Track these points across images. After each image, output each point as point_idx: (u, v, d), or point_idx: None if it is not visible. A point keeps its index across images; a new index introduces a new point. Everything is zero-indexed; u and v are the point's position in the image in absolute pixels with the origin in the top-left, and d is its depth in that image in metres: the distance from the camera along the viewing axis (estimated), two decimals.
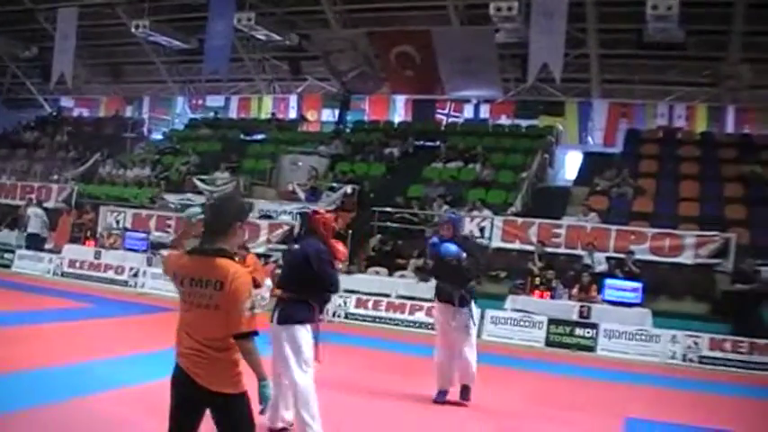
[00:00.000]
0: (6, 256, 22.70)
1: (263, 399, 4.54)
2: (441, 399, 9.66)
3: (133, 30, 27.39)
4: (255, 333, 4.53)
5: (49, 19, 30.53)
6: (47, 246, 23.44)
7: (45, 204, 24.93)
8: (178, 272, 4.65)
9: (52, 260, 22.12)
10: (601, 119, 27.48)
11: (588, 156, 26.10)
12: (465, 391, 9.77)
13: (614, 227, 19.62)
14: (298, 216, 21.69)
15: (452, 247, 9.48)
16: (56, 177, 27.97)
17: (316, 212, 7.84)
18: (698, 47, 23.55)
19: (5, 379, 8.62)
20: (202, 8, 27.43)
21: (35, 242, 23.27)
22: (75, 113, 36.92)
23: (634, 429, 9.10)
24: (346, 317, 18.10)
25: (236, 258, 4.67)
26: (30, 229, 23.50)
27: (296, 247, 7.57)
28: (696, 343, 15.55)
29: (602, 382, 12.75)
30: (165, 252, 4.38)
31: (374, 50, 27.70)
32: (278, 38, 27.34)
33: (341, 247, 7.51)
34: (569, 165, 27.47)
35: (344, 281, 19.29)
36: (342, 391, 9.79)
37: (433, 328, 16.63)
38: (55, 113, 35.88)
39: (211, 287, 4.47)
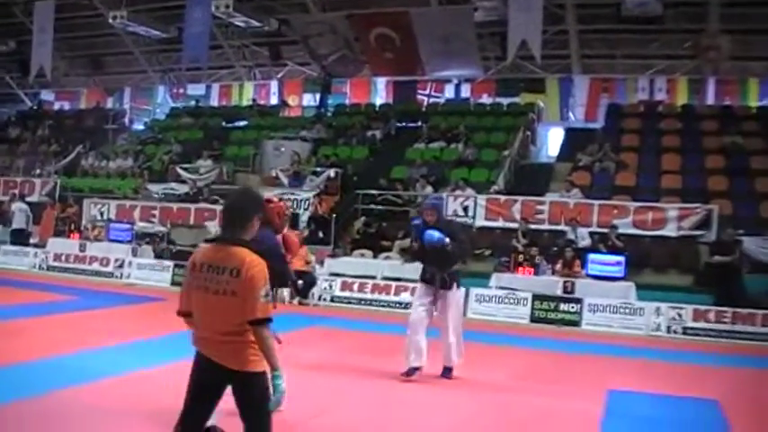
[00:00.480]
0: None
1: (275, 389, 4.62)
2: (410, 374, 9.60)
3: (111, 20, 27.28)
4: (269, 320, 4.68)
5: (26, 12, 30.32)
6: (31, 240, 23.41)
7: (28, 199, 24.88)
8: (198, 259, 4.78)
9: (37, 254, 22.08)
10: (582, 94, 27.44)
11: (570, 132, 26.21)
12: (446, 371, 9.86)
13: (597, 202, 19.75)
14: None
15: (435, 235, 9.40)
16: (38, 171, 27.89)
17: (268, 201, 7.31)
18: (677, 19, 23.58)
19: None
20: None
21: (20, 237, 23.29)
22: (57, 107, 36.63)
23: (616, 400, 9.15)
24: (332, 300, 18.16)
25: None
26: (14, 225, 23.51)
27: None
28: (680, 314, 15.66)
29: (586, 356, 12.81)
30: None
31: (353, 33, 27.62)
32: (257, 24, 27.24)
33: (295, 238, 7.27)
34: (552, 141, 27.56)
35: (330, 264, 19.49)
36: (327, 373, 9.88)
37: None
38: (36, 107, 35.69)
39: (228, 274, 4.61)
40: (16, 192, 25.35)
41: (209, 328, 4.67)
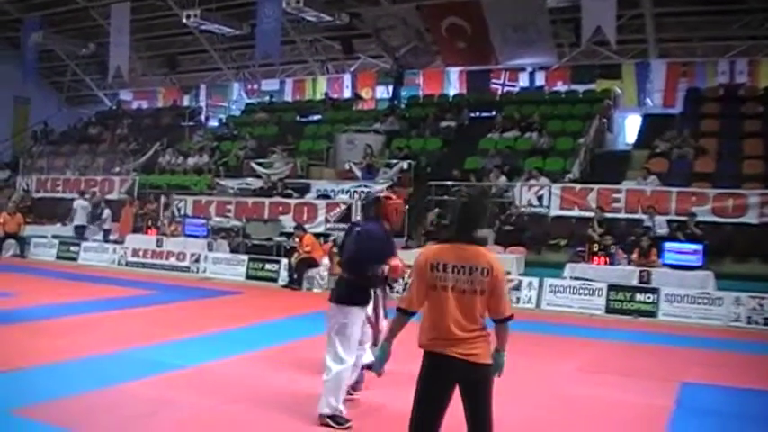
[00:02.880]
0: (72, 249, 23.22)
1: (498, 367, 5.02)
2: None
3: (184, 20, 27.68)
4: (512, 316, 5.00)
5: (104, 15, 31.04)
6: (111, 237, 24.00)
7: (108, 196, 25.86)
8: (436, 259, 4.91)
9: (116, 251, 22.55)
10: (659, 80, 26.76)
11: (647, 118, 25.55)
12: None
13: (675, 189, 19.27)
14: (361, 197, 21.57)
15: None
16: (117, 170, 28.51)
17: (388, 198, 7.68)
18: None
19: (66, 366, 8.91)
20: None
21: (81, 233, 24.42)
22: (134, 106, 37.56)
23: (689, 394, 8.87)
24: (405, 290, 18.02)
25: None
26: (76, 221, 24.67)
27: (358, 229, 7.53)
28: (761, 305, 15.01)
29: (661, 347, 12.45)
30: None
31: (425, 24, 27.51)
32: (328, 18, 27.27)
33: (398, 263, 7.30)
34: (629, 128, 26.97)
35: (403, 255, 19.35)
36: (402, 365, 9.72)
37: None
38: (114, 107, 36.55)
39: (478, 273, 4.82)
40: (96, 190, 26.15)
41: (455, 325, 4.83)
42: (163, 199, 24.62)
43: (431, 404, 4.91)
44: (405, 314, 5.04)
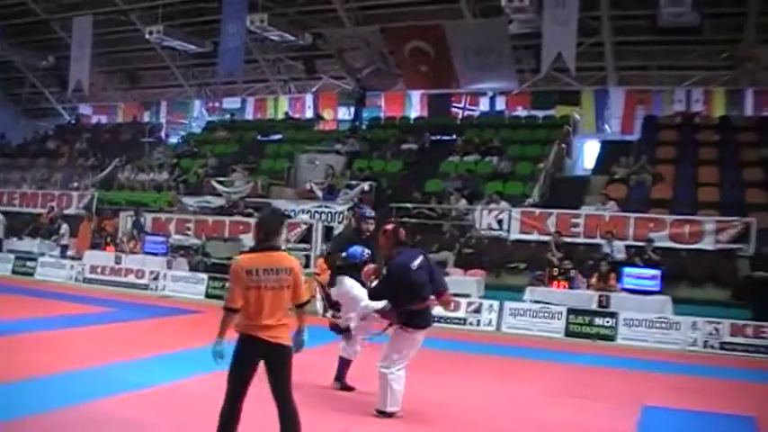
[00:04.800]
0: (29, 264, 22.86)
1: (300, 344, 6.22)
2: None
3: (147, 36, 27.63)
4: (309, 301, 6.31)
5: (65, 28, 30.82)
6: (68, 252, 23.65)
7: (66, 211, 25.39)
8: (250, 265, 6.02)
9: (74, 267, 22.25)
10: (618, 107, 27.21)
11: (606, 144, 25.95)
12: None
13: (633, 215, 19.55)
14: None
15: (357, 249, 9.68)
16: (76, 185, 28.20)
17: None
18: (714, 30, 23.33)
19: (25, 384, 8.72)
20: (215, 11, 27.55)
21: None
22: (94, 120, 37.20)
23: (651, 417, 9.00)
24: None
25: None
26: None
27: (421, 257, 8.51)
28: (717, 329, 15.34)
29: (621, 371, 12.64)
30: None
31: (388, 47, 27.70)
32: (291, 38, 27.42)
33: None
34: (587, 154, 27.34)
35: None
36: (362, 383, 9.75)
37: (449, 322, 16.59)
38: (73, 121, 36.22)
39: (284, 273, 6.01)
40: (54, 204, 25.86)
41: (267, 316, 5.97)
42: (122, 214, 24.35)
43: (240, 376, 6.02)
44: (231, 311, 6.06)
